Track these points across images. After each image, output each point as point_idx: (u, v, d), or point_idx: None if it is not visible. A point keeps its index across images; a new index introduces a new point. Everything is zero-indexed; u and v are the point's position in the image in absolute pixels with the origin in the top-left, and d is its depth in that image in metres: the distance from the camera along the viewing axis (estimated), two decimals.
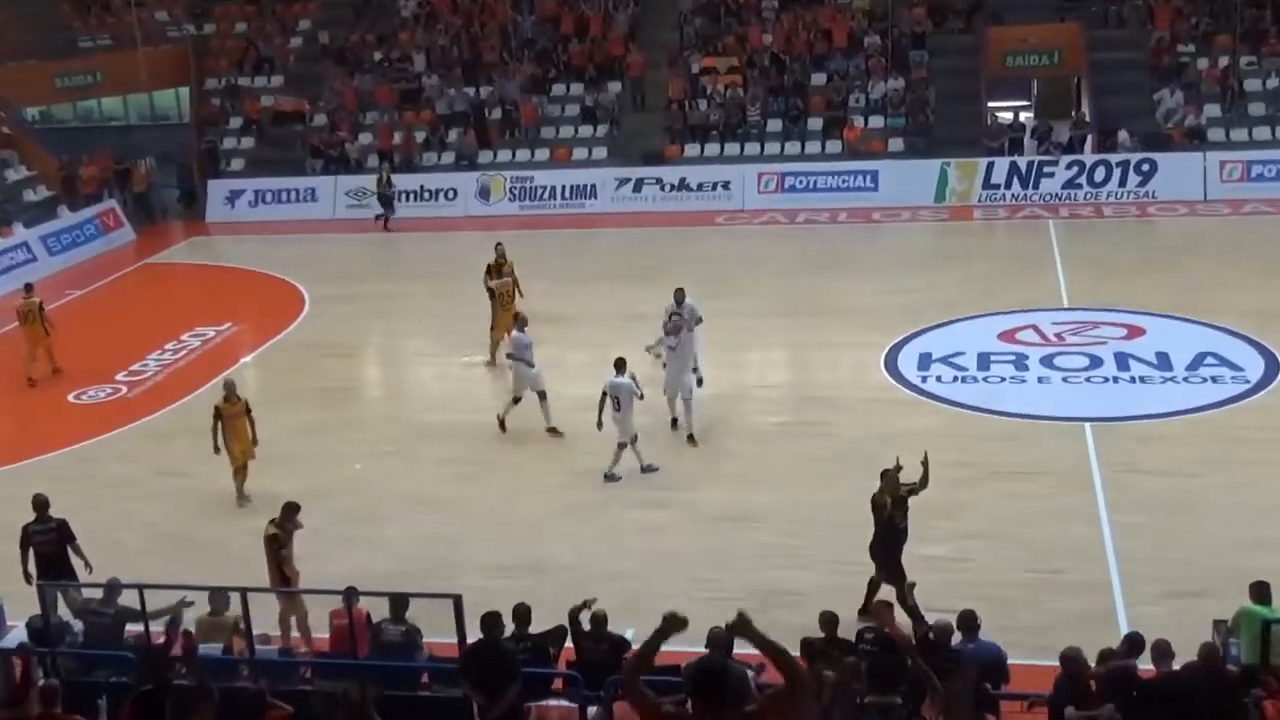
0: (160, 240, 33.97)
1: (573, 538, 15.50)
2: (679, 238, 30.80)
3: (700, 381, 18.35)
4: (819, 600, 11.99)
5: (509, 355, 18.94)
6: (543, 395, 18.60)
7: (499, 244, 22.45)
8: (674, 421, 17.83)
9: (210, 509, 16.74)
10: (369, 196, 33.69)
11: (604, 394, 17.06)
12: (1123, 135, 32.03)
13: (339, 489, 16.78)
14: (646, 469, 16.95)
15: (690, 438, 17.62)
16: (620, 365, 16.97)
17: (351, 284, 27.85)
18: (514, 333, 18.94)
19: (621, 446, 16.86)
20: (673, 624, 5.72)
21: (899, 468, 12.68)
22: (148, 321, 25.82)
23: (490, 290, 21.64)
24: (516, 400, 18.75)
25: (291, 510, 13.32)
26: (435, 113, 36.43)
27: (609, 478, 16.81)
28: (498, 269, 22.18)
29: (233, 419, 16.65)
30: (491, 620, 10.31)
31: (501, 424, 18.75)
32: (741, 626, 5.71)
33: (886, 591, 12.57)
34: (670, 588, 13.71)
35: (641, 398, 17.01)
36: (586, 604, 11.07)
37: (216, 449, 16.53)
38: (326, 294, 26.98)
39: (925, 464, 12.84)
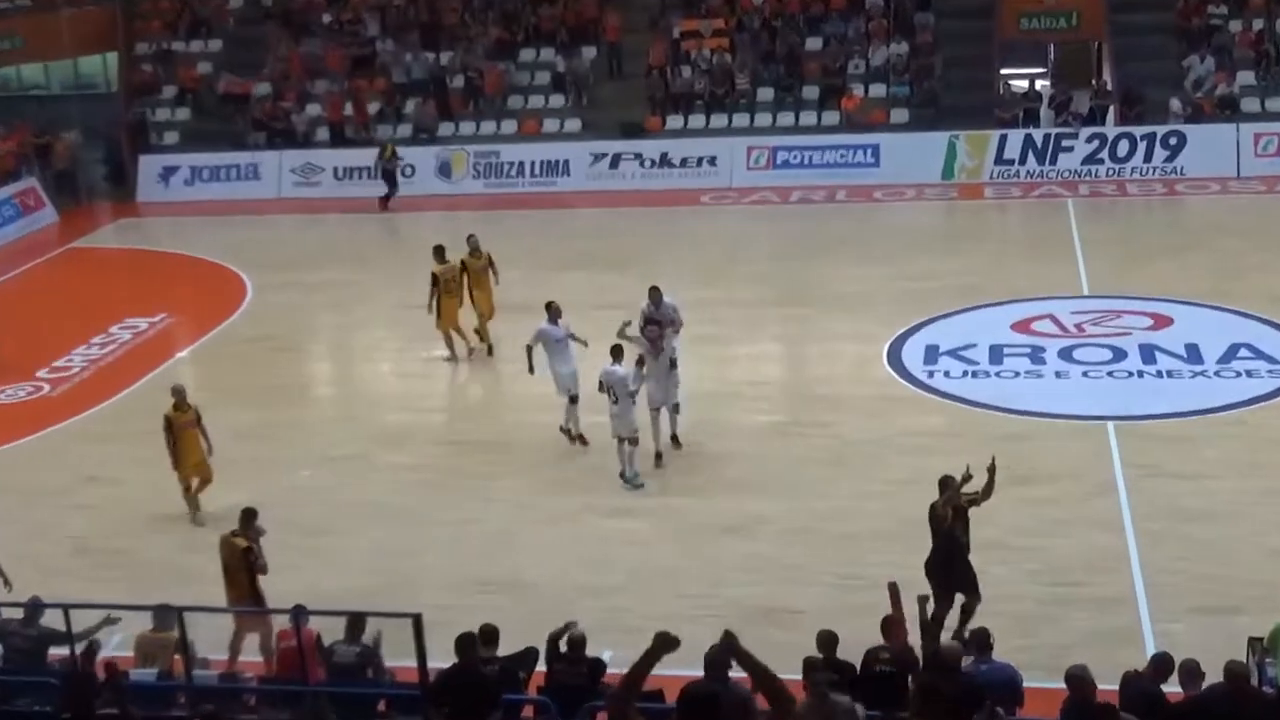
0: (86, 222, 33.80)
1: (546, 550, 15.51)
2: (660, 219, 30.78)
3: (677, 408, 17.62)
4: (818, 618, 12.02)
5: (529, 347, 18.26)
6: (573, 399, 18.04)
7: (472, 236, 22.24)
8: (658, 456, 17.34)
9: (144, 521, 16.68)
10: (363, 173, 33.43)
11: (529, 347, 17.74)
12: (1175, 103, 31.95)
13: (285, 498, 16.73)
14: (629, 481, 16.82)
15: (674, 438, 17.57)
16: (617, 354, 16.91)
17: (299, 271, 27.78)
18: (543, 324, 18.37)
19: (622, 443, 16.79)
20: (665, 644, 5.75)
21: (967, 477, 12.62)
22: (72, 312, 25.68)
23: (434, 277, 21.53)
24: (573, 399, 18.02)
25: (251, 517, 13.32)
26: (391, 81, 36.33)
27: (628, 482, 16.72)
28: (475, 261, 21.88)
29: (184, 429, 16.49)
30: (468, 642, 10.33)
31: (573, 436, 18.04)
32: (727, 648, 5.74)
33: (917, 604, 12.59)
34: (654, 605, 13.72)
35: (633, 395, 16.84)
36: (568, 627, 11.06)
37: (176, 465, 16.44)
38: (271, 282, 26.90)
39: (992, 471, 12.81)
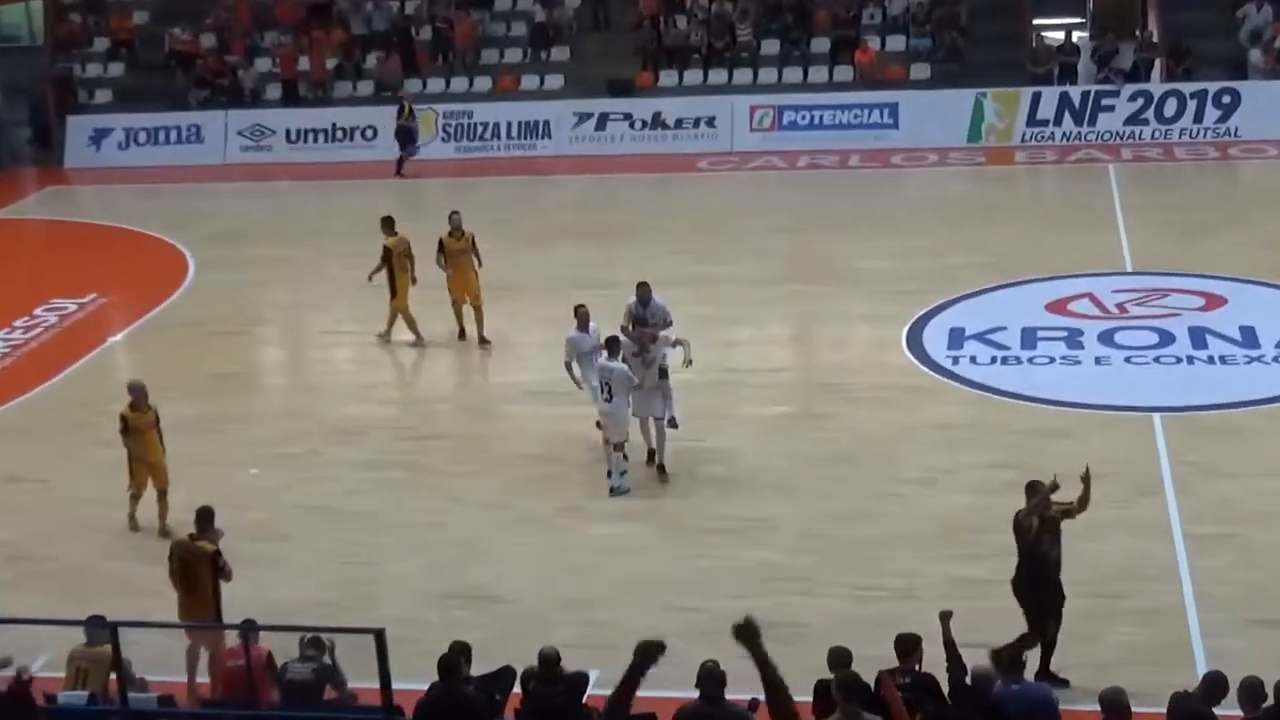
0: (7, 191, 33.71)
1: (523, 558, 15.47)
2: (653, 187, 30.74)
3: (674, 422, 17.14)
4: (828, 633, 12.01)
5: (567, 364, 17.66)
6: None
7: (455, 214, 21.95)
8: (650, 455, 17.16)
9: (75, 526, 16.60)
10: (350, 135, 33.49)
11: (567, 364, 17.41)
12: (1255, 55, 31.85)
13: (230, 499, 16.57)
14: (616, 488, 16.72)
15: (660, 469, 17.25)
16: (613, 347, 16.65)
17: (246, 245, 27.70)
18: (571, 333, 17.76)
19: (619, 448, 16.61)
20: (648, 654, 5.75)
21: (1055, 486, 12.51)
22: None
23: (387, 251, 21.40)
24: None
25: (209, 518, 13.25)
26: (349, 33, 36.26)
27: (615, 491, 16.63)
28: (456, 241, 21.55)
29: (142, 431, 16.24)
30: (453, 664, 10.36)
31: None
32: (748, 633, 5.74)
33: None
34: (643, 619, 13.67)
35: (639, 386, 16.68)
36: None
37: (133, 471, 16.30)
38: (215, 258, 26.83)
39: (1087, 480, 12.67)
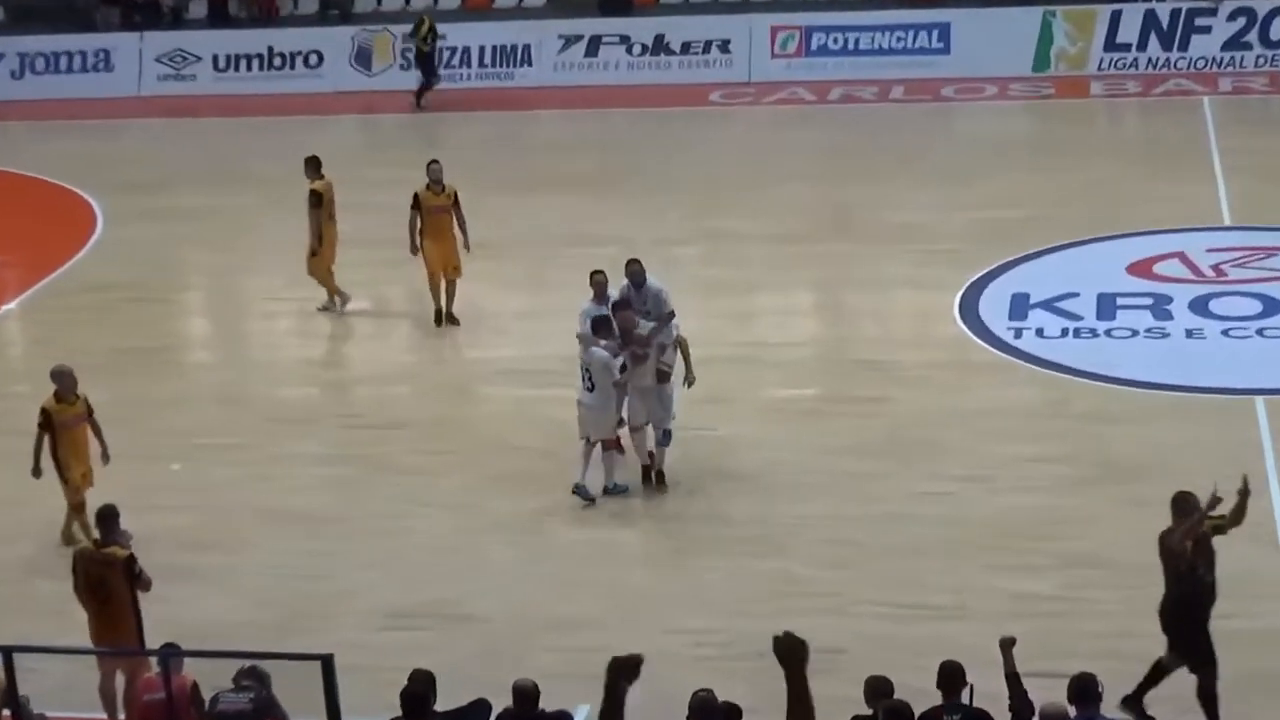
0: None
1: (498, 569, 15.50)
2: (654, 124, 30.68)
3: (668, 437, 16.81)
4: (862, 661, 12.04)
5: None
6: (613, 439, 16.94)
7: (434, 163, 21.67)
8: (645, 471, 16.92)
9: None
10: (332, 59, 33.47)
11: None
12: None
13: (148, 501, 16.64)
14: (581, 493, 16.41)
15: (659, 476, 17.13)
16: (603, 326, 16.36)
17: (166, 194, 27.67)
18: (586, 304, 17.09)
19: (591, 445, 16.57)
20: (620, 673, 5.78)
21: (1217, 499, 12.43)
22: None
23: (316, 195, 21.35)
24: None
25: (112, 518, 13.24)
26: None
27: (579, 491, 16.50)
28: (435, 197, 21.29)
29: (69, 427, 16.04)
30: (418, 699, 10.43)
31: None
32: (794, 654, 5.73)
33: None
34: (640, 643, 13.52)
35: (623, 370, 16.52)
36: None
37: (38, 470, 16.01)
38: (129, 209, 26.84)
39: (1244, 493, 12.60)
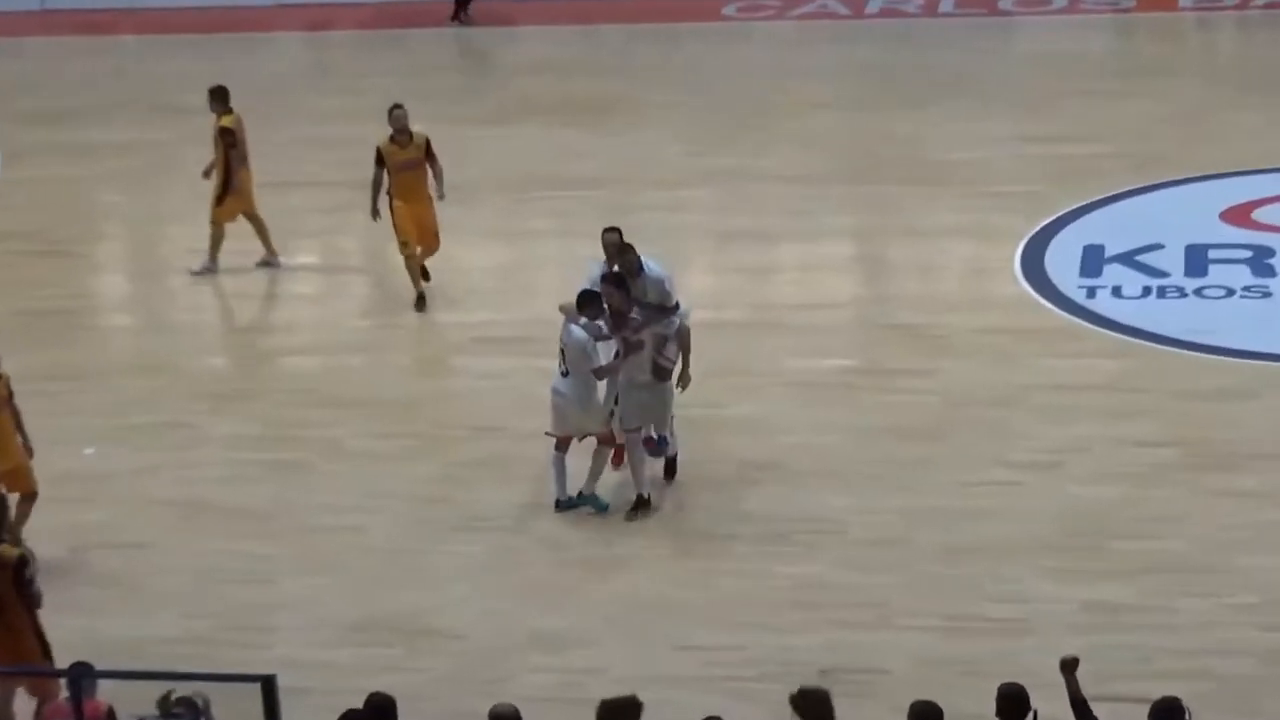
0: None
1: (470, 575, 15.53)
2: (653, 41, 30.65)
3: (664, 443, 16.58)
4: (907, 682, 12.09)
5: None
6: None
7: (397, 107, 21.38)
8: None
9: None
10: None
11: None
12: None
13: (57, 492, 16.71)
14: (564, 500, 16.38)
15: (668, 465, 16.99)
16: (588, 304, 16.05)
17: (74, 126, 27.63)
18: (596, 268, 16.92)
19: (564, 444, 16.37)
20: (614, 715, 5.86)
21: None
22: None
23: (227, 133, 21.26)
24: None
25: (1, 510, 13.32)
26: None
27: (561, 504, 16.45)
28: (401, 150, 21.02)
29: None
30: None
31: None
32: (816, 708, 5.81)
33: None
34: (642, 663, 13.76)
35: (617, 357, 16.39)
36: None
37: None
38: (28, 144, 26.81)
39: None
